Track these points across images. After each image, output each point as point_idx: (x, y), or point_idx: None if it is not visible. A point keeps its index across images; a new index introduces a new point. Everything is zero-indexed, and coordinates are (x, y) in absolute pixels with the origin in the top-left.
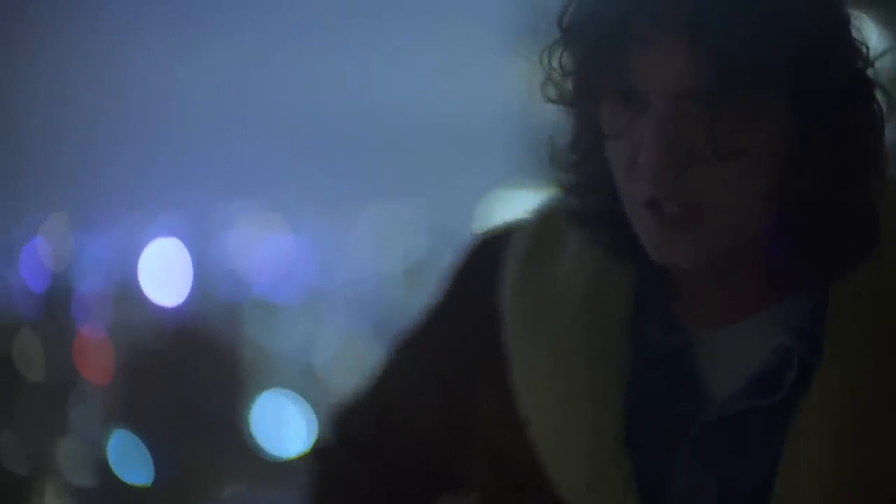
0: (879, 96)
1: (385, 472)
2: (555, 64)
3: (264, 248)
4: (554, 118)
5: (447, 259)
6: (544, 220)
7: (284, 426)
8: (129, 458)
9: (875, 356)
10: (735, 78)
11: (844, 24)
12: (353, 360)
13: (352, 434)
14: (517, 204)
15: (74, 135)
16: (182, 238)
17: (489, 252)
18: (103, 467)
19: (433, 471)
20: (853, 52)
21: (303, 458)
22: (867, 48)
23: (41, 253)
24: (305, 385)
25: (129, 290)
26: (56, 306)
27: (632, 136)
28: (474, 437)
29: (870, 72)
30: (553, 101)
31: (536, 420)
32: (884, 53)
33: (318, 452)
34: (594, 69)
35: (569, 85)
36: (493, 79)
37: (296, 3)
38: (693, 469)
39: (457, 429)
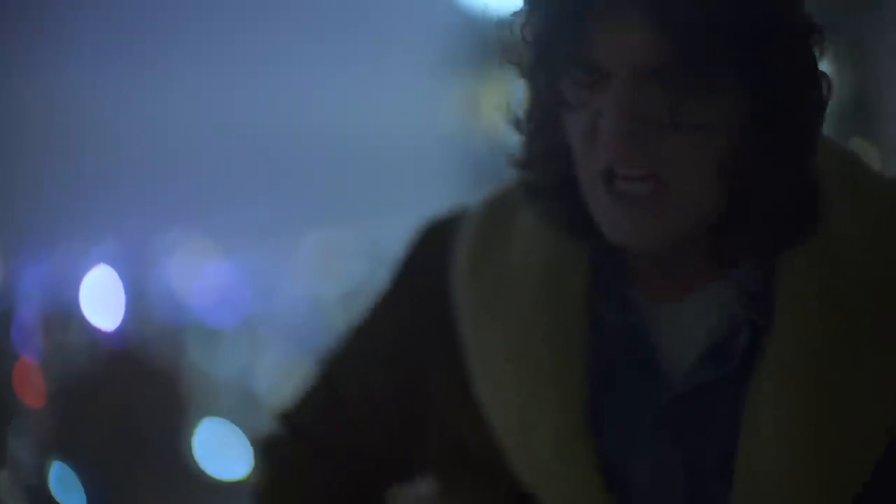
0: (823, 75)
1: (337, 461)
2: (516, 32)
3: (202, 275)
4: (493, 143)
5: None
6: (494, 203)
7: (224, 451)
8: (67, 485)
9: (823, 316)
10: (694, 54)
11: (795, 2)
12: (290, 385)
13: (301, 424)
14: None
15: (10, 161)
16: (119, 265)
17: (437, 236)
18: (40, 494)
19: (387, 459)
20: (803, 29)
21: (243, 483)
22: (814, 26)
23: None
24: (243, 410)
25: (67, 317)
26: None
27: (592, 107)
28: (429, 423)
29: (815, 50)
30: (512, 65)
31: (494, 403)
32: (821, 31)
33: (267, 445)
34: (556, 40)
35: (529, 54)
36: (432, 104)
37: (226, 30)
38: (656, 447)
39: (410, 415)
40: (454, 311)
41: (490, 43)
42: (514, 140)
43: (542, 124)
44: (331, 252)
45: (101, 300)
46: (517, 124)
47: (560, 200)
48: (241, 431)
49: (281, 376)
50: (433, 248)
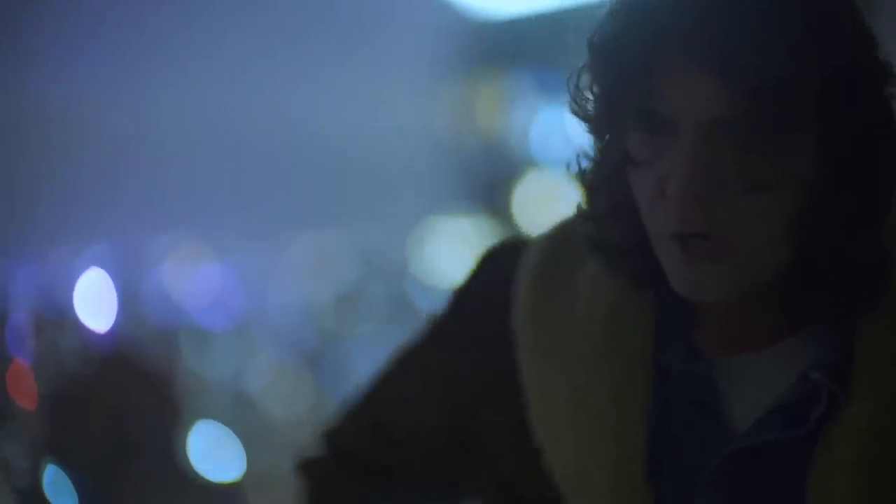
0: None
1: (379, 486)
2: (582, 85)
3: (195, 278)
4: (487, 147)
5: (378, 288)
6: (559, 239)
7: (217, 453)
8: (60, 488)
9: None
10: (765, 108)
11: (874, 53)
12: (283, 387)
13: (344, 447)
14: (449, 231)
15: (2, 163)
16: (113, 268)
17: (500, 267)
18: (33, 497)
19: (430, 489)
20: (880, 80)
21: (235, 485)
22: (891, 74)
23: None
24: (236, 412)
25: (60, 319)
26: None
27: (659, 165)
28: (479, 460)
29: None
30: (580, 119)
31: (553, 449)
32: None
33: (309, 466)
34: (622, 94)
35: (595, 108)
36: (426, 107)
37: (219, 31)
38: (714, 501)
39: (458, 449)
40: (515, 349)
41: (486, 45)
42: (507, 146)
43: (607, 179)
44: (323, 255)
45: (95, 303)
46: (583, 178)
47: (625, 255)
48: (233, 434)
49: (273, 378)
50: (495, 279)
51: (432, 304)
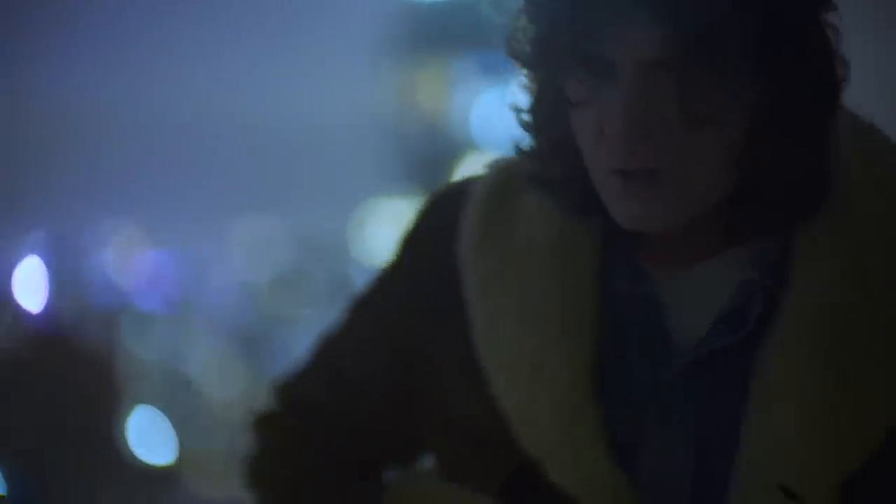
0: (839, 61)
1: (334, 436)
2: (521, 25)
3: (134, 262)
4: (426, 127)
5: (318, 271)
6: (502, 173)
7: (153, 436)
8: None
9: (841, 284)
10: (703, 47)
11: None
12: (222, 370)
13: (298, 399)
14: (391, 213)
15: None
16: (50, 253)
17: (444, 206)
18: None
19: (387, 435)
20: (815, 18)
21: (173, 468)
22: (827, 3)
23: None
24: (175, 395)
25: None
26: None
27: (598, 105)
28: (431, 396)
29: (829, 31)
30: (516, 61)
31: (501, 373)
32: (835, 7)
33: (261, 419)
34: (559, 37)
35: (532, 51)
36: (366, 90)
37: (155, 13)
38: (665, 418)
39: (411, 388)
40: (462, 281)
41: (427, 28)
42: (448, 128)
43: (546, 120)
44: (263, 238)
45: (32, 287)
46: (521, 118)
47: (567, 190)
48: (167, 417)
49: (212, 362)
50: (440, 218)
51: None
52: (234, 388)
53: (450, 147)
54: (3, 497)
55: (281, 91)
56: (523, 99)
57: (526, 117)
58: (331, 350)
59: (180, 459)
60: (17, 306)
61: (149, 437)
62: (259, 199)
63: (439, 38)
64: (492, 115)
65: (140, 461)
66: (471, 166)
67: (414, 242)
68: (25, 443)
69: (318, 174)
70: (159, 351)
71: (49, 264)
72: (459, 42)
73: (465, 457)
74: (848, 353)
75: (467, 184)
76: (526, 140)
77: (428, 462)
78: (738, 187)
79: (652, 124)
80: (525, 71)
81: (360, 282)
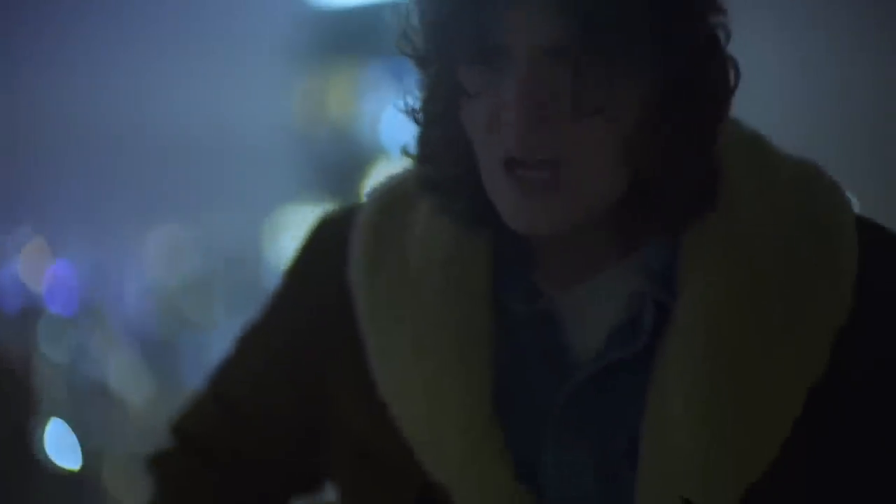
0: (729, 60)
1: (231, 473)
2: (412, 17)
3: (38, 275)
4: (336, 134)
5: (229, 277)
6: (389, 193)
7: (62, 441)
8: None
9: (727, 291)
10: (596, 35)
11: None
12: (133, 376)
13: (193, 435)
14: (301, 220)
15: None
16: None
17: (332, 230)
18: None
19: (285, 468)
20: (707, 11)
21: (79, 473)
22: (719, 7)
23: None
24: (84, 401)
25: None
26: None
27: (492, 94)
28: (329, 426)
29: (721, 35)
30: (407, 56)
31: (400, 401)
32: (726, 12)
33: (156, 460)
34: (453, 26)
35: (425, 42)
36: (276, 97)
37: (66, 13)
38: (564, 437)
39: (308, 418)
40: (353, 307)
41: (336, 35)
42: (358, 135)
43: (438, 115)
44: (174, 246)
45: None
46: (412, 116)
47: (458, 194)
48: (72, 422)
49: (122, 367)
50: (328, 242)
51: None
52: (144, 393)
53: (360, 154)
54: None
55: (190, 97)
56: (404, 110)
57: (418, 115)
58: (223, 382)
59: (91, 464)
60: None
61: (60, 442)
62: (171, 208)
63: (348, 44)
64: (401, 122)
65: (53, 465)
66: (381, 173)
67: (303, 270)
68: None
69: (228, 181)
70: (68, 357)
71: None
72: (369, 48)
73: (370, 486)
74: (739, 362)
75: (353, 209)
76: (415, 144)
77: (331, 493)
78: (628, 189)
79: (545, 112)
80: (418, 65)
81: (271, 287)
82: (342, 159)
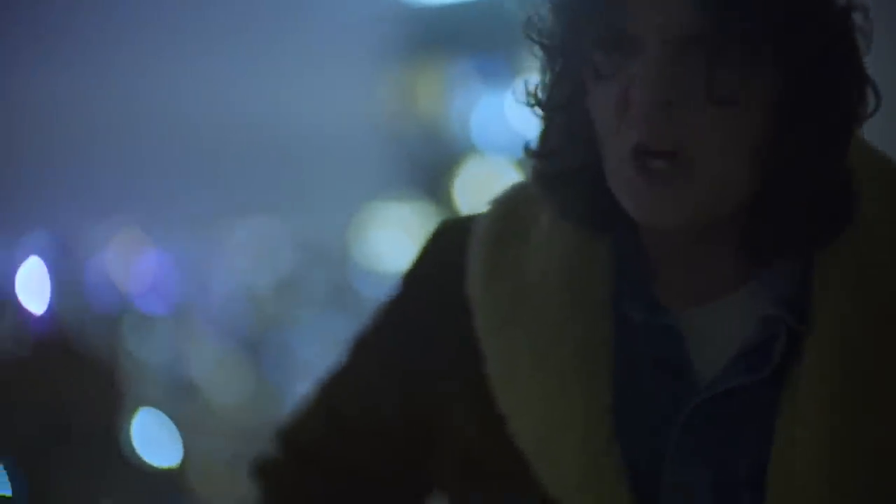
0: (863, 61)
1: (341, 482)
2: (541, 10)
3: (135, 264)
4: (426, 131)
5: (318, 274)
6: (507, 204)
7: (157, 438)
8: None
9: (865, 321)
10: (731, 24)
11: None
12: (223, 373)
13: (300, 445)
14: (390, 217)
15: None
16: (51, 254)
17: (451, 238)
18: None
19: (394, 477)
20: (842, 11)
21: (174, 470)
22: (858, 7)
23: None
24: (176, 398)
25: (1, 306)
26: None
27: (622, 79)
28: (441, 436)
29: (858, 37)
30: (534, 42)
31: (518, 414)
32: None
33: (263, 468)
34: (586, 15)
35: (557, 27)
36: (366, 93)
37: (162, 15)
38: (684, 456)
39: (420, 430)
40: (470, 319)
41: (426, 32)
42: (447, 132)
43: (564, 102)
44: (263, 241)
45: (34, 289)
46: (536, 107)
47: (580, 188)
48: (171, 420)
49: (213, 365)
50: (446, 252)
51: (374, 290)
52: (235, 392)
53: (449, 151)
54: (6, 498)
55: (281, 95)
56: (526, 99)
57: (540, 106)
58: (333, 391)
59: (183, 462)
60: (20, 306)
61: (153, 440)
62: (261, 203)
63: (438, 42)
64: (491, 119)
65: (144, 463)
66: (471, 170)
67: (419, 279)
68: (28, 444)
69: (318, 178)
70: (161, 354)
71: (51, 265)
72: (459, 46)
73: (481, 499)
74: (874, 401)
75: (471, 219)
76: (537, 139)
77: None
78: (758, 195)
79: (676, 96)
80: (545, 52)
81: (359, 285)
82: (431, 156)
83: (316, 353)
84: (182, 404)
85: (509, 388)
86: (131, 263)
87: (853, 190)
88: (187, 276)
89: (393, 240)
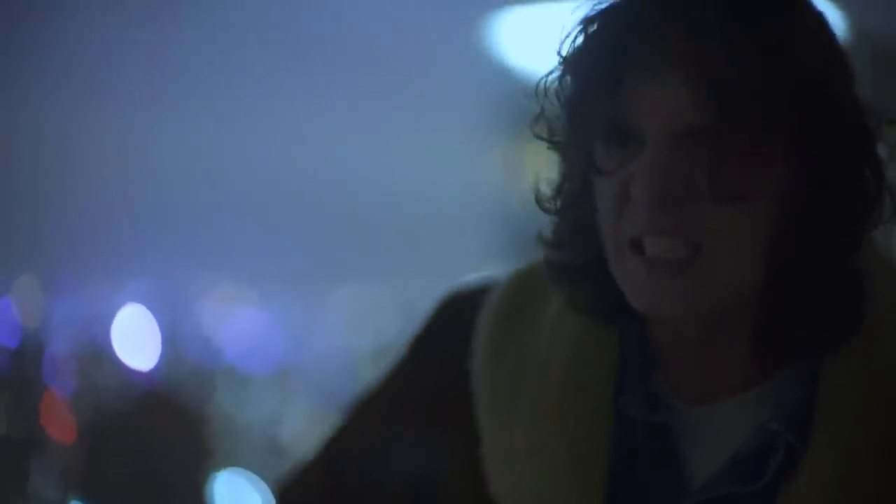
0: (881, 153)
1: None
2: (549, 97)
3: (234, 320)
4: (532, 206)
5: None
6: (520, 283)
7: (242, 497)
8: None
9: (866, 446)
10: (737, 116)
11: (848, 71)
12: (319, 436)
13: (298, 501)
14: None
15: (43, 196)
16: (152, 305)
17: (460, 309)
18: None
19: None
20: (856, 101)
21: None
22: (870, 106)
23: (12, 311)
24: (270, 459)
25: (98, 354)
26: (25, 363)
27: (623, 174)
28: (439, 500)
29: (872, 127)
30: (543, 139)
31: (510, 497)
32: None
33: None
34: (589, 102)
35: (562, 121)
36: (472, 163)
37: (271, 75)
38: None
39: (417, 493)
40: (471, 395)
41: (532, 105)
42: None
43: (572, 198)
44: (364, 305)
45: (133, 339)
46: (546, 200)
47: (586, 281)
48: (263, 481)
49: (309, 427)
50: (454, 323)
51: None
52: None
53: None
54: None
55: (392, 161)
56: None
57: (550, 200)
58: (333, 450)
59: None
60: (117, 356)
61: (237, 499)
62: (364, 267)
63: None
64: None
65: None
66: None
67: (425, 347)
68: (117, 492)
69: (422, 245)
70: (256, 414)
71: (155, 315)
72: None
73: None
74: None
75: (484, 290)
76: (549, 230)
77: None
78: (767, 293)
79: (678, 189)
80: (555, 149)
81: None
82: (536, 226)
83: None
84: (274, 466)
85: (502, 474)
86: (229, 319)
87: (865, 291)
88: (287, 336)
89: None
